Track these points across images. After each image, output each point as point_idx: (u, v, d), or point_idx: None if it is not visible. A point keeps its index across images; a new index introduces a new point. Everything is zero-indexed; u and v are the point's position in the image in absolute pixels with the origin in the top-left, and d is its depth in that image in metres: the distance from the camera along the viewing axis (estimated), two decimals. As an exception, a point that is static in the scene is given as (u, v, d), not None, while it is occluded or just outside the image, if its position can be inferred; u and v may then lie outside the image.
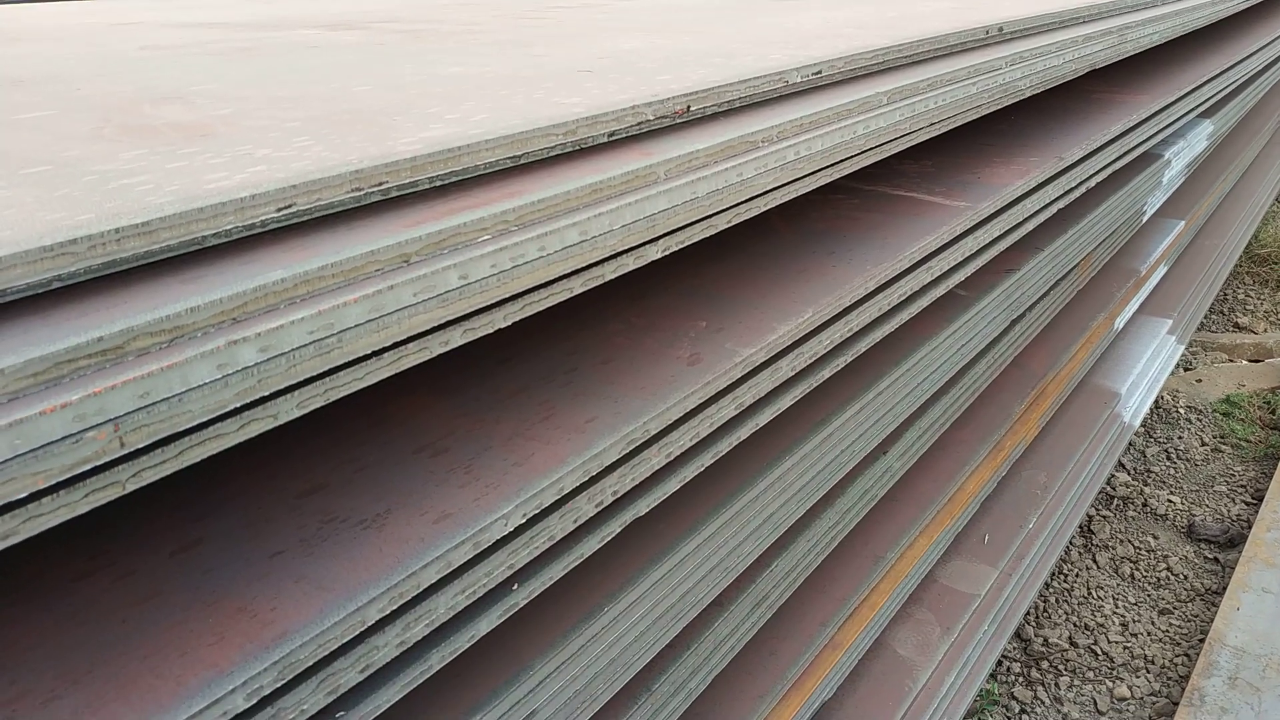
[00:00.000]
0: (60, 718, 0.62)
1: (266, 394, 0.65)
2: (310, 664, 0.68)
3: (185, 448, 0.64)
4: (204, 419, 0.63)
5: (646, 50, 1.51)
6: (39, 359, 0.56)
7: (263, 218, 0.74)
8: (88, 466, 0.57)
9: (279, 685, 0.66)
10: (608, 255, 0.93)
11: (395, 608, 0.73)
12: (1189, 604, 2.68)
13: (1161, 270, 3.29)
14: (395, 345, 0.75)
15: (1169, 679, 2.43)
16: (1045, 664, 2.52)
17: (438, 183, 0.88)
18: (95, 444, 0.57)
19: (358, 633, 0.70)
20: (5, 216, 0.69)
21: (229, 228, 0.72)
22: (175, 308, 0.62)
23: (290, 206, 0.75)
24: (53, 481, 0.56)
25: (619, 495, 0.97)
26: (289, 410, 0.69)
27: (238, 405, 0.64)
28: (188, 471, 0.64)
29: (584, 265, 0.90)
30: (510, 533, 0.83)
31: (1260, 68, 3.69)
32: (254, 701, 0.64)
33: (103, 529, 0.82)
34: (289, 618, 0.69)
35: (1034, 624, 2.66)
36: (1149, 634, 2.62)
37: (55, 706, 0.63)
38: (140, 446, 0.60)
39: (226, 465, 0.90)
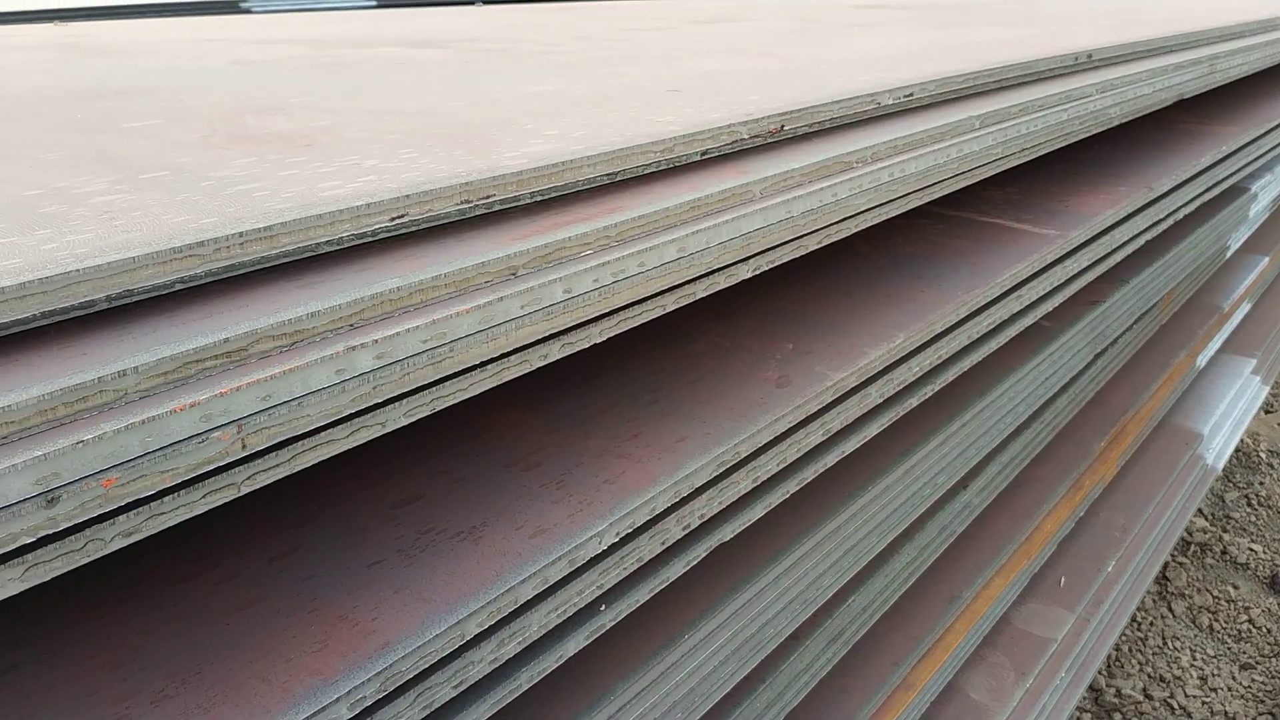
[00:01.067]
0: (171, 716, 0.62)
1: (380, 400, 0.66)
2: (410, 676, 0.67)
3: (298, 452, 0.64)
4: (320, 423, 0.63)
5: (731, 71, 1.51)
6: (169, 358, 0.57)
7: (375, 226, 0.75)
8: (211, 467, 0.57)
9: (380, 696, 0.66)
10: (703, 273, 0.92)
11: (493, 622, 0.72)
12: (1273, 659, 2.58)
13: (1245, 308, 3.19)
14: (500, 357, 0.75)
15: (1251, 735, 2.33)
16: (1118, 716, 2.44)
17: (539, 197, 0.88)
18: (220, 444, 0.57)
19: (456, 647, 0.70)
20: (133, 218, 0.70)
21: (343, 235, 0.73)
22: (296, 311, 0.63)
23: (403, 216, 0.75)
24: (179, 480, 0.56)
25: (706, 519, 0.96)
26: (397, 419, 0.69)
27: (352, 411, 0.64)
28: (286, 476, 0.64)
29: (680, 282, 0.90)
30: (603, 551, 0.82)
31: (1350, 104, 3.59)
32: (356, 712, 0.64)
33: (204, 531, 0.83)
34: (391, 628, 0.69)
35: (1106, 674, 2.58)
36: (1229, 689, 2.52)
37: (167, 705, 0.63)
38: (260, 449, 0.60)
39: (323, 471, 0.90)
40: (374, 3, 5.14)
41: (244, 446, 0.59)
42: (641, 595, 0.90)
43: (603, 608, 0.86)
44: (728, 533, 1.00)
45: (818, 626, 1.30)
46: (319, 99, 1.35)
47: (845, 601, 1.34)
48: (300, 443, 0.63)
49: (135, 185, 0.81)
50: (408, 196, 0.76)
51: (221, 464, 0.58)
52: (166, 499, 0.57)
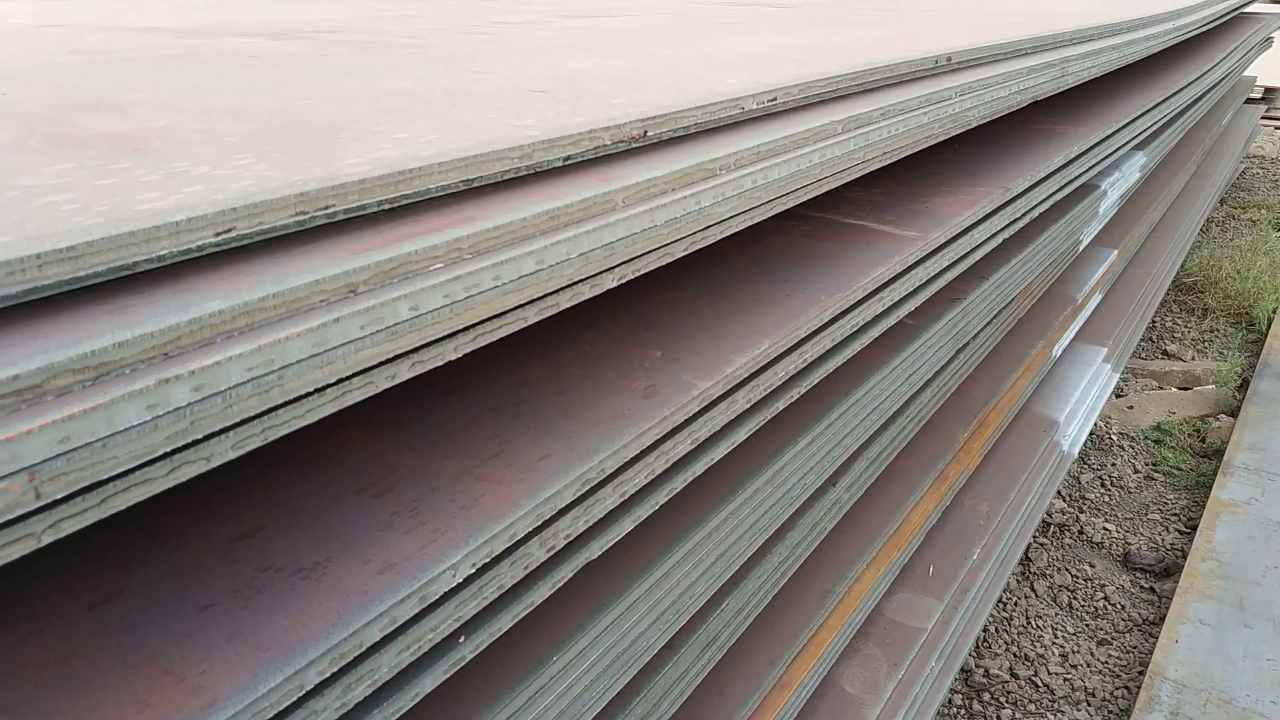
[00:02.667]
0: (-41, 799, 0.56)
1: (200, 436, 0.60)
2: (243, 733, 0.62)
3: (109, 494, 0.58)
4: (130, 465, 0.57)
5: (597, 71, 1.48)
6: (-57, 400, 0.50)
7: (200, 242, 0.69)
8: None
9: (208, 757, 0.60)
10: (565, 284, 0.89)
11: (336, 669, 0.67)
12: (1127, 635, 2.71)
13: (1096, 299, 3.35)
14: (339, 381, 0.70)
15: (1110, 712, 2.44)
16: (987, 695, 2.52)
17: (386, 206, 0.83)
18: (7, 496, 0.51)
19: (295, 699, 0.65)
20: (-90, 238, 0.63)
21: (163, 253, 0.67)
22: (101, 342, 0.57)
23: (230, 231, 0.70)
24: (-45, 538, 0.50)
25: (571, 538, 0.93)
26: (223, 452, 0.64)
27: (168, 449, 0.59)
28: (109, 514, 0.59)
29: (539, 295, 0.86)
30: (459, 584, 0.78)
31: (1189, 102, 3.80)
32: (179, 776, 0.59)
33: (12, 575, 0.75)
34: (220, 682, 0.63)
35: (974, 654, 2.66)
36: (1089, 665, 2.63)
37: (-47, 786, 0.57)
38: (59, 497, 0.54)
39: (152, 505, 0.84)
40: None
41: (38, 496, 0.53)
42: (504, 623, 0.86)
43: (461, 639, 0.82)
44: (595, 550, 0.97)
45: (693, 633, 1.29)
46: (158, 95, 1.26)
47: (719, 606, 1.33)
48: (109, 485, 0.57)
49: (-78, 197, 0.73)
50: (235, 209, 0.70)
51: (11, 516, 0.52)
52: (-54, 557, 0.51)
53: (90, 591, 0.73)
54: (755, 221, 1.14)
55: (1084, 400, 3.13)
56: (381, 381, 0.74)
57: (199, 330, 0.61)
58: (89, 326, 0.60)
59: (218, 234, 0.70)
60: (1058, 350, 3.02)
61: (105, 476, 0.56)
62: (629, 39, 2.03)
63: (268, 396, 0.63)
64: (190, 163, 0.86)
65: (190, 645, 0.67)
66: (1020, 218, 2.03)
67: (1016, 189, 1.96)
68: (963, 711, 2.47)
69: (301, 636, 0.67)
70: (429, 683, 0.77)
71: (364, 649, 0.69)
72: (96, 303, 0.63)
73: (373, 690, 0.72)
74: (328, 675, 0.67)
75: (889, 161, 1.43)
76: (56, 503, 0.55)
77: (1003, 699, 2.50)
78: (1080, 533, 3.19)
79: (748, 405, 1.13)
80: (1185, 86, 3.56)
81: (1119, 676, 2.56)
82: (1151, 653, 2.50)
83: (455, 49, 1.83)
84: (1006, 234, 1.96)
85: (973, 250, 1.77)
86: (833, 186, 1.27)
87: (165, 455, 0.60)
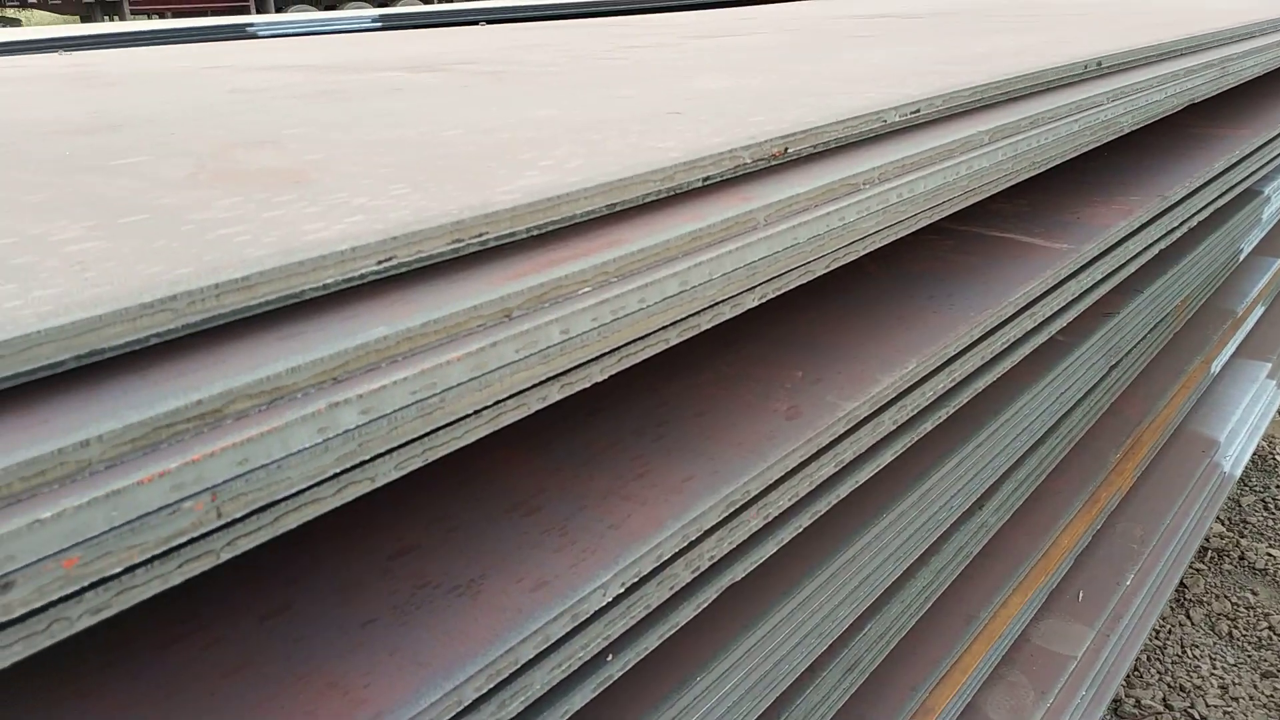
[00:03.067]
0: (148, 802, 0.59)
1: (367, 458, 0.62)
2: (405, 747, 0.64)
3: (281, 514, 0.61)
4: (302, 485, 0.60)
5: (733, 90, 1.47)
6: (138, 424, 0.54)
7: (362, 270, 0.71)
8: (184, 539, 0.54)
9: (373, 770, 0.62)
10: (707, 305, 0.89)
11: (492, 686, 0.69)
12: (1295, 667, 2.53)
13: (1259, 311, 3.15)
14: (494, 404, 0.72)
15: (1277, 749, 2.28)
16: (1139, 727, 2.39)
17: (535, 232, 0.84)
18: (192, 515, 0.54)
19: (454, 714, 0.66)
20: (106, 269, 0.67)
21: (329, 281, 0.70)
22: (275, 368, 0.60)
23: (391, 259, 0.72)
24: (148, 555, 0.53)
25: (715, 560, 0.92)
26: (387, 472, 0.66)
27: (337, 470, 0.61)
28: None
29: (683, 316, 0.87)
30: (609, 602, 0.78)
31: (1361, 101, 3.54)
32: (348, 789, 0.61)
33: (191, 590, 0.80)
34: (383, 696, 0.65)
35: (1124, 683, 2.53)
36: (1251, 698, 2.47)
37: (143, 789, 0.60)
38: (237, 516, 0.57)
39: (315, 522, 0.87)
40: (378, 25, 5.13)
41: (219, 515, 0.55)
42: (650, 642, 0.86)
43: (609, 658, 0.82)
44: (739, 572, 0.97)
45: (834, 657, 1.26)
46: (313, 130, 1.32)
47: (861, 630, 1.30)
48: (282, 505, 0.60)
49: (113, 231, 0.78)
50: (395, 238, 0.73)
51: (195, 534, 0.55)
52: (138, 572, 0.54)
53: (261, 605, 0.77)
54: (900, 236, 1.11)
55: (1246, 419, 2.94)
56: (533, 403, 0.75)
57: (365, 355, 0.64)
58: (263, 352, 0.62)
59: (379, 262, 0.72)
60: (1216, 366, 2.85)
61: (279, 497, 0.59)
62: (760, 58, 2.02)
63: (430, 419, 0.65)
64: (349, 194, 0.90)
65: (354, 659, 0.70)
66: (1177, 227, 1.92)
67: (1173, 197, 1.86)
68: (1115, 745, 2.35)
69: (459, 652, 0.69)
70: (578, 700, 0.78)
71: (518, 666, 0.70)
72: (268, 329, 0.66)
73: (525, 707, 0.73)
74: (484, 691, 0.68)
75: (1038, 171, 1.38)
76: (234, 522, 0.58)
77: (1158, 733, 2.37)
78: (1241, 558, 3.00)
79: (894, 426, 1.11)
80: (1357, 82, 3.32)
81: (1290, 715, 2.39)
82: (1328, 691, 2.32)
83: (589, 75, 1.86)
84: (1163, 244, 1.86)
85: (1127, 262, 1.69)
86: (980, 198, 1.23)
87: (334, 476, 0.62)
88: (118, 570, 0.52)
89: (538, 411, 0.79)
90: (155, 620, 0.76)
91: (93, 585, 0.52)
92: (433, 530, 0.85)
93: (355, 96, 1.68)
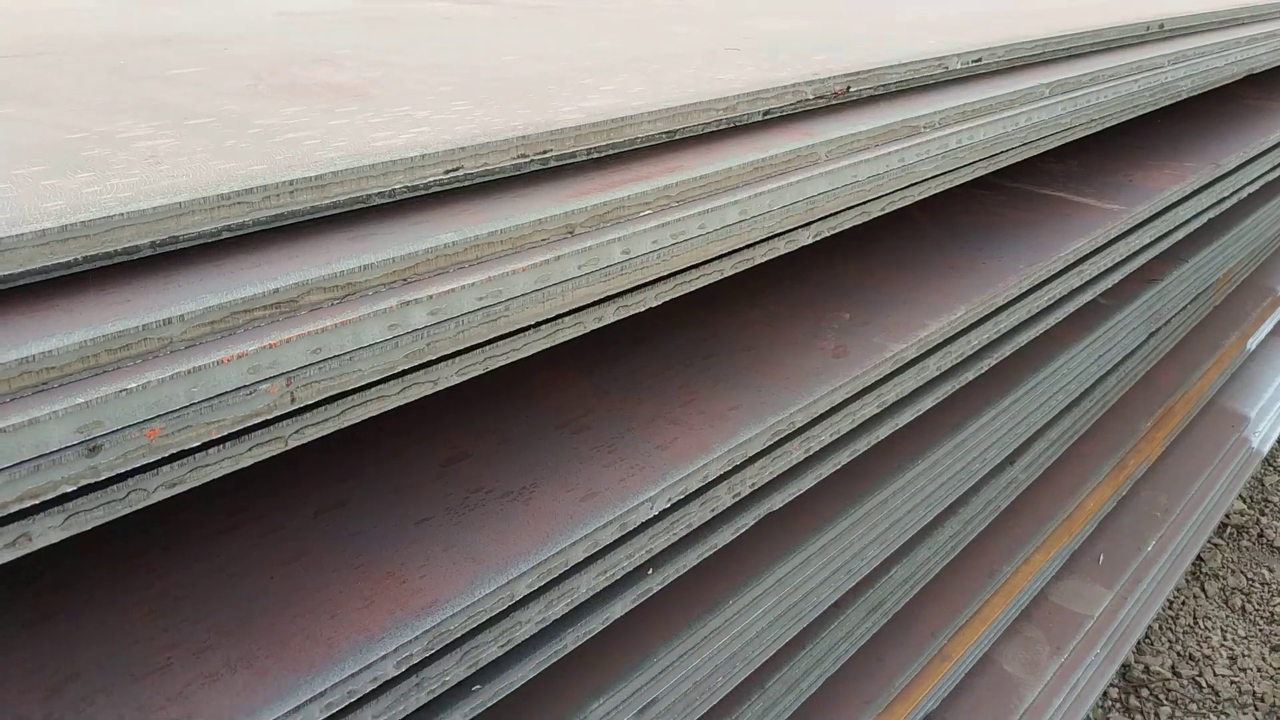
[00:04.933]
0: (213, 668, 0.61)
1: (434, 358, 0.64)
2: (458, 635, 0.66)
3: (348, 407, 0.62)
4: (372, 379, 0.61)
5: (792, 31, 1.46)
6: (216, 307, 0.55)
7: (429, 179, 0.72)
8: (259, 420, 0.56)
9: (427, 655, 0.64)
10: (764, 237, 0.89)
11: (543, 584, 0.71)
12: (1307, 643, 2.54)
13: (1301, 291, 3.10)
14: (554, 318, 0.73)
15: (1278, 719, 2.30)
16: (1146, 692, 2.41)
17: (596, 154, 0.85)
18: (268, 397, 0.56)
19: (505, 607, 0.68)
20: (179, 164, 0.69)
21: (396, 187, 0.71)
22: (349, 264, 0.61)
23: (458, 169, 0.73)
24: (224, 433, 0.55)
25: (756, 488, 0.94)
26: (448, 377, 0.67)
27: (405, 368, 0.63)
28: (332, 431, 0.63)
29: (740, 246, 0.87)
30: (654, 517, 0.80)
31: None
32: (403, 670, 0.63)
33: (246, 483, 0.82)
34: (438, 586, 0.68)
35: (1135, 650, 2.54)
36: (1259, 670, 2.48)
37: (209, 657, 0.62)
38: (309, 403, 0.59)
39: (367, 425, 0.89)
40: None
41: (293, 400, 0.57)
42: (689, 561, 0.89)
43: (650, 572, 0.84)
44: (777, 502, 0.98)
45: (859, 596, 1.28)
46: (367, 52, 1.32)
47: (888, 573, 1.32)
48: (350, 398, 0.62)
49: (180, 131, 0.80)
50: (463, 149, 0.74)
51: (269, 417, 0.56)
52: (211, 451, 0.56)
53: (317, 501, 0.79)
54: (955, 185, 1.11)
55: (1278, 398, 2.92)
56: (590, 322, 0.77)
57: (435, 259, 0.65)
58: (335, 250, 0.64)
59: (446, 171, 0.73)
60: (1253, 343, 2.82)
61: (350, 388, 0.60)
62: (821, 4, 2.00)
63: (495, 325, 0.66)
64: (411, 108, 0.91)
65: (410, 553, 0.72)
66: (1229, 196, 1.90)
67: (1227, 165, 1.84)
68: (1118, 705, 2.37)
69: (513, 551, 0.71)
70: (619, 609, 0.80)
71: (568, 567, 0.72)
72: (338, 230, 0.68)
73: (570, 609, 0.75)
74: (535, 588, 0.70)
75: (1095, 130, 1.37)
76: (305, 409, 0.60)
77: (1162, 696, 2.39)
78: (1260, 535, 2.99)
79: (938, 372, 1.11)
80: None
81: (1295, 686, 2.40)
82: (1337, 667, 2.33)
83: (642, 13, 1.84)
84: (1213, 213, 1.84)
85: (1177, 228, 1.67)
86: (1036, 152, 1.23)
87: (401, 374, 0.64)
88: (196, 444, 0.54)
89: (587, 338, 0.81)
90: (214, 510, 0.79)
91: (171, 458, 0.54)
92: (485, 441, 0.87)
93: (405, 23, 1.68)
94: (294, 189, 0.66)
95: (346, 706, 0.61)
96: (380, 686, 0.62)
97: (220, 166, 0.69)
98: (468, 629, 0.66)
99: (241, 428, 0.56)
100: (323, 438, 0.62)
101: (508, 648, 0.71)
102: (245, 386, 0.55)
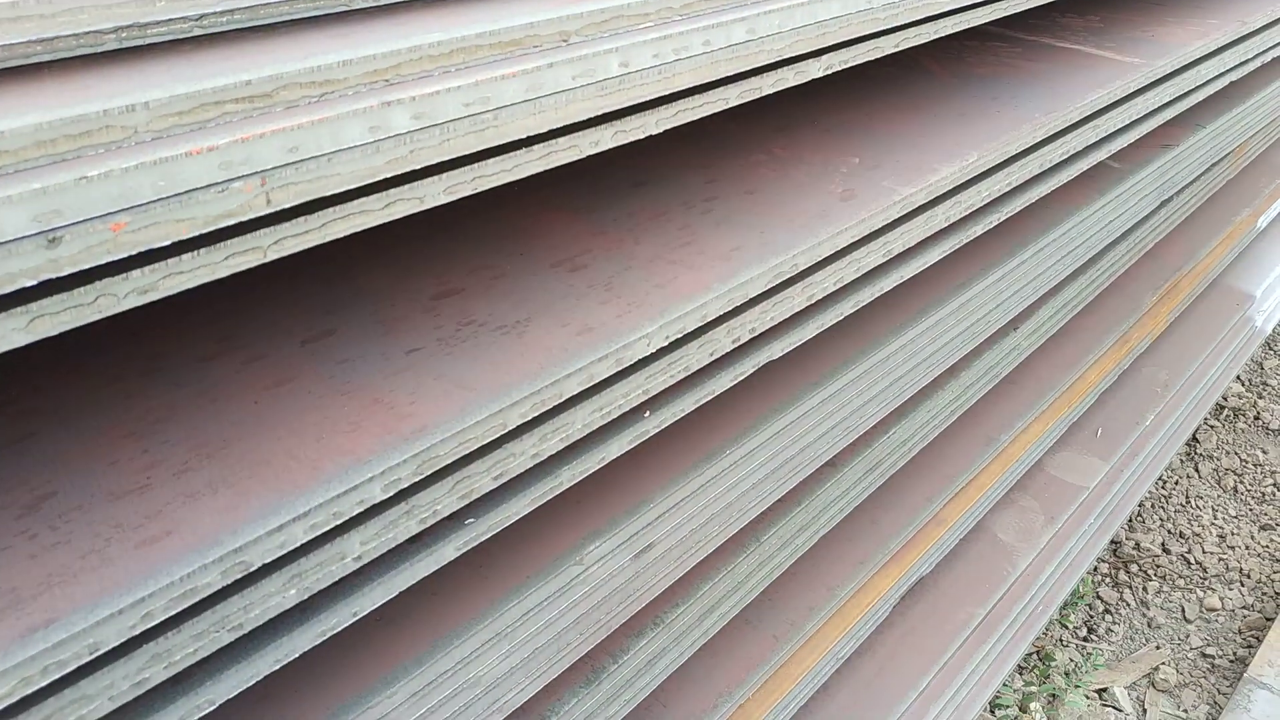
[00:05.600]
0: (194, 488, 0.59)
1: (418, 167, 0.60)
2: (448, 462, 0.64)
3: (329, 220, 0.59)
4: (352, 185, 0.57)
5: None
6: (184, 96, 0.51)
7: (415, -22, 0.67)
8: (232, 221, 0.52)
9: (416, 480, 0.62)
10: (771, 63, 0.84)
11: (536, 415, 0.68)
12: (1295, 521, 2.57)
13: (1315, 170, 3.03)
14: (548, 136, 0.68)
15: (1263, 594, 2.34)
16: (1135, 567, 2.45)
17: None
18: (241, 196, 0.52)
19: (497, 436, 0.66)
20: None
21: (381, -15, 0.66)
22: (327, 59, 0.56)
23: (446, -33, 0.68)
24: (197, 232, 0.51)
25: (757, 333, 0.91)
26: (436, 194, 0.63)
27: (388, 175, 0.59)
28: (315, 263, 0.59)
29: (746, 70, 0.82)
30: (651, 355, 0.77)
31: None
32: (391, 494, 0.61)
33: (230, 314, 0.79)
34: (428, 413, 0.65)
35: (1125, 527, 2.57)
36: (1247, 548, 2.51)
37: (189, 478, 0.60)
38: (286, 207, 0.55)
39: (356, 260, 0.85)
40: None
41: (268, 202, 0.53)
42: (687, 405, 0.86)
43: (647, 413, 0.82)
44: (777, 350, 0.95)
45: (857, 455, 1.27)
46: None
47: (886, 433, 1.31)
48: (331, 209, 0.58)
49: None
50: (452, -54, 0.68)
51: (244, 218, 0.53)
52: (185, 256, 0.52)
53: (303, 330, 0.76)
54: (973, 24, 1.04)
55: (1286, 277, 2.89)
56: (586, 146, 0.72)
57: (418, 60, 0.60)
58: (314, 46, 0.59)
59: (434, -28, 0.68)
60: (1263, 222, 2.77)
61: (329, 193, 0.56)
62: None
63: (483, 136, 0.62)
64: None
65: (399, 381, 0.69)
66: (1253, 58, 1.82)
67: (1254, 24, 1.76)
68: (1108, 580, 2.41)
69: (505, 382, 0.68)
70: (615, 449, 0.78)
71: (562, 400, 0.70)
72: (319, 29, 0.63)
73: (565, 446, 0.73)
74: (529, 419, 0.68)
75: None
76: (283, 214, 0.56)
77: (1150, 571, 2.43)
78: (1256, 418, 3.00)
79: (946, 223, 1.07)
80: None
81: (1279, 561, 2.44)
82: (1322, 541, 2.36)
83: None
84: (1237, 74, 1.77)
85: (1199, 86, 1.60)
86: (1059, -8, 1.16)
87: (383, 185, 0.60)
88: (165, 243, 0.50)
89: (581, 178, 0.76)
90: (196, 338, 0.76)
91: (140, 259, 0.50)
92: (477, 276, 0.83)
93: None
94: (266, -19, 0.61)
95: (332, 529, 0.59)
96: (368, 510, 0.60)
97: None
98: (458, 456, 0.64)
99: (214, 228, 0.52)
100: (311, 270, 0.59)
101: (501, 480, 0.69)
102: (217, 184, 0.51)
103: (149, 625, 0.53)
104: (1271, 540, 2.52)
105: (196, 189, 0.50)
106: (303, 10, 0.64)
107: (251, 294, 0.79)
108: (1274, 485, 2.74)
